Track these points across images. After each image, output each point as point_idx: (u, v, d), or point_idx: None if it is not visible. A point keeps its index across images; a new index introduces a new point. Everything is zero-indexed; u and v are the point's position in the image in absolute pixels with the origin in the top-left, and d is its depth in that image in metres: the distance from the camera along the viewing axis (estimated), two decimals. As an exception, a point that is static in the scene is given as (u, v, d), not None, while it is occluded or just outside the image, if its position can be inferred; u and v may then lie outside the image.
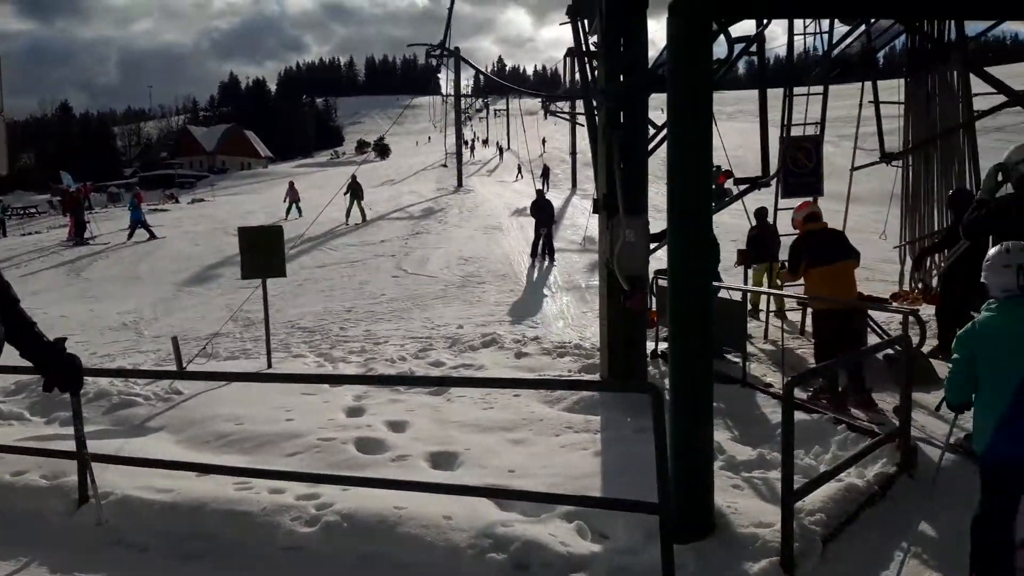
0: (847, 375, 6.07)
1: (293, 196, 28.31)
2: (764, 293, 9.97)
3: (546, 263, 17.01)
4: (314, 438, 5.86)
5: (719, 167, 11.66)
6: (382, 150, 74.98)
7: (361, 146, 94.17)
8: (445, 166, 46.32)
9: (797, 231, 6.85)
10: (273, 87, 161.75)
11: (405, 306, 13.13)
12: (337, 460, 5.35)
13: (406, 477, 4.71)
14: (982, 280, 3.40)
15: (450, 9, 28.03)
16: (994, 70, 9.01)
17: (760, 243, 10.56)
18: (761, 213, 10.89)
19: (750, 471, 4.87)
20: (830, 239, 6.52)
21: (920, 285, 8.70)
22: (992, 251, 3.39)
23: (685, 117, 3.68)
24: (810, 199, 7.73)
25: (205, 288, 16.81)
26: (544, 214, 17.15)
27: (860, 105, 9.82)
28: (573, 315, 12.05)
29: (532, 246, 17.41)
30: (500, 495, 4.23)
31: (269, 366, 8.65)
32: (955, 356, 3.39)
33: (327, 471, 4.91)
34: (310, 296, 14.76)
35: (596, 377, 7.56)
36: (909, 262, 9.13)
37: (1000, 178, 5.05)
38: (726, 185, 16.66)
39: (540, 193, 18.38)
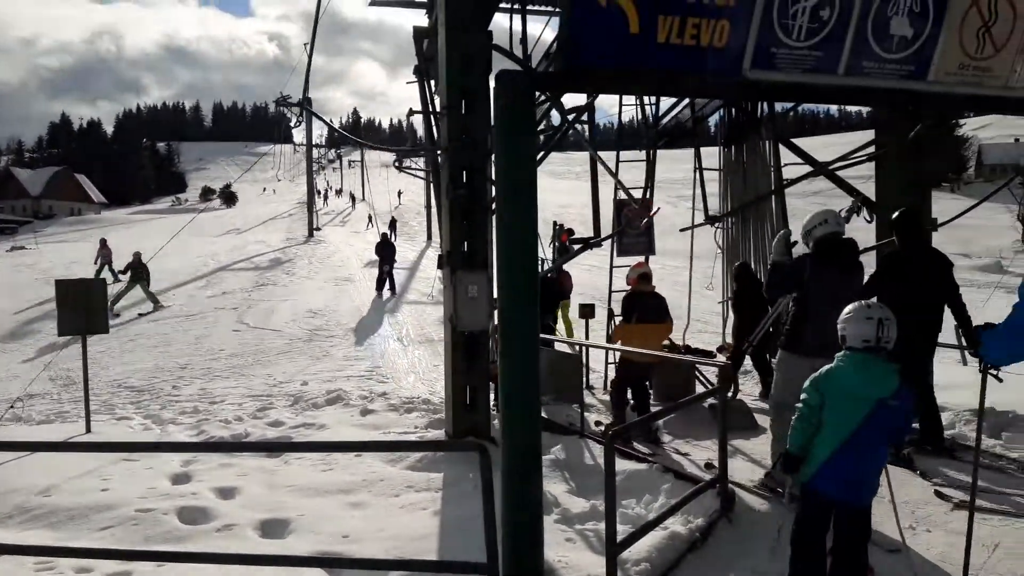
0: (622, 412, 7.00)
1: (105, 256, 23.54)
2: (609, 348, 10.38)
3: (388, 294, 19.84)
4: (132, 509, 5.43)
5: (562, 225, 12.14)
6: (228, 197, 72.15)
7: (206, 193, 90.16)
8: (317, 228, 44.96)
9: (629, 287, 7.47)
10: (110, 129, 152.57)
11: (246, 362, 12.56)
12: (155, 533, 4.98)
13: (231, 549, 4.45)
14: (840, 331, 3.64)
15: (308, 63, 27.63)
16: (801, 141, 10.06)
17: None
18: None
19: (583, 523, 4.99)
20: (654, 301, 7.38)
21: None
22: (853, 305, 3.66)
23: (510, 180, 3.83)
24: (641, 259, 8.27)
25: (20, 344, 15.37)
26: (387, 252, 20.34)
27: (694, 170, 10.64)
28: (424, 369, 11.98)
29: (377, 281, 20.22)
30: (329, 564, 4.09)
31: (88, 430, 7.98)
32: (805, 399, 3.62)
33: (143, 546, 4.56)
34: (141, 352, 13.81)
35: (441, 433, 7.53)
36: (732, 315, 9.83)
37: (791, 241, 5.60)
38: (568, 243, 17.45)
39: (384, 236, 22.10)
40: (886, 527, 4.39)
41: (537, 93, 4.86)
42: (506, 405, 3.86)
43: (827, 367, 3.65)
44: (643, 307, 7.24)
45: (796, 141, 9.84)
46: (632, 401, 7.39)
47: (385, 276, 19.97)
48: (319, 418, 8.51)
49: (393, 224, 37.32)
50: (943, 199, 36.66)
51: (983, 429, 6.52)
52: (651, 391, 7.78)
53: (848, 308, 3.66)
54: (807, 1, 4.06)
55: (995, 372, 3.17)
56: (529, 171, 3.85)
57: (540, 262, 11.13)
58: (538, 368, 3.93)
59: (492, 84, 6.95)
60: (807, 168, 9.26)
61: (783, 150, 9.54)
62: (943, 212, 9.36)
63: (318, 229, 37.42)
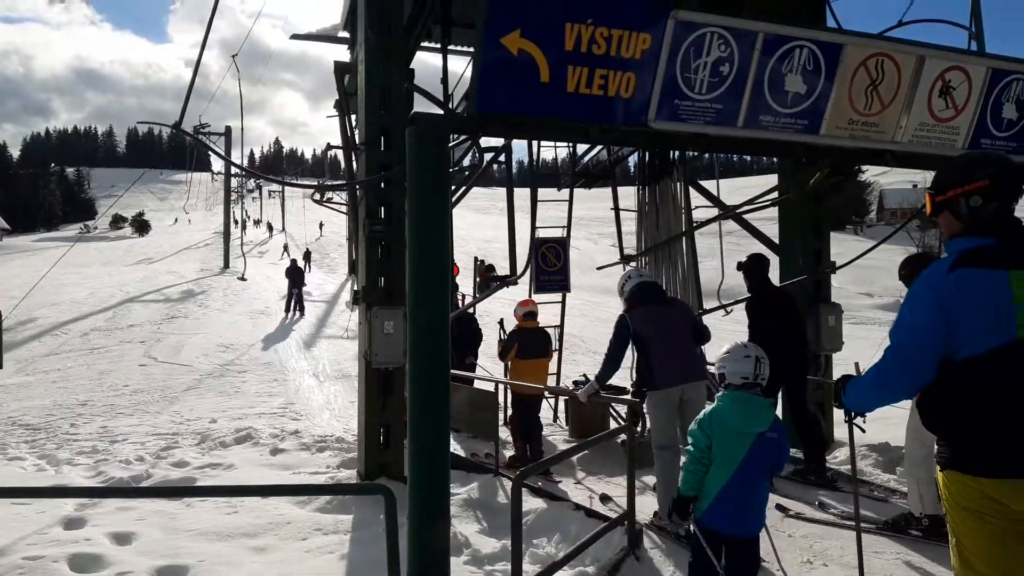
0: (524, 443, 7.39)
1: None
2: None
3: (297, 315, 21.68)
4: (19, 557, 5.09)
5: (482, 262, 12.24)
6: (141, 226, 69.59)
7: (116, 221, 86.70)
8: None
9: (517, 322, 8.06)
10: (16, 152, 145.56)
11: (151, 398, 12.04)
12: (42, 584, 4.69)
13: (123, 599, 4.22)
14: (719, 370, 3.82)
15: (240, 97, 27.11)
16: (712, 184, 10.46)
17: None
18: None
19: (494, 564, 4.96)
20: (539, 337, 8.00)
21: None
22: (731, 345, 3.85)
23: (421, 220, 3.86)
24: (530, 299, 8.69)
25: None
26: (296, 276, 22.38)
27: (612, 209, 10.93)
28: (340, 405, 11.74)
29: (286, 304, 22.07)
30: (228, 612, 3.93)
31: (-28, 473, 7.47)
32: (694, 442, 3.72)
33: (26, 599, 4.28)
34: (38, 388, 13.07)
35: (353, 473, 7.38)
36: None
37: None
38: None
39: (294, 261, 24.30)
40: (784, 559, 4.52)
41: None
42: (414, 444, 3.84)
43: (709, 408, 3.80)
44: (524, 342, 7.82)
45: (708, 184, 10.23)
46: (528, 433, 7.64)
47: (293, 298, 22.11)
48: (227, 458, 8.21)
49: (308, 255, 37.49)
50: (847, 241, 38.64)
51: (879, 463, 6.88)
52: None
53: (726, 348, 3.84)
54: (708, 57, 4.27)
55: (859, 422, 3.31)
56: (441, 212, 3.89)
57: (462, 298, 11.22)
58: (448, 407, 3.93)
59: (410, 122, 7.02)
60: (717, 210, 9.65)
61: (695, 193, 9.91)
62: (848, 253, 9.88)
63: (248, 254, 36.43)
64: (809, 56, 4.44)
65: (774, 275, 8.47)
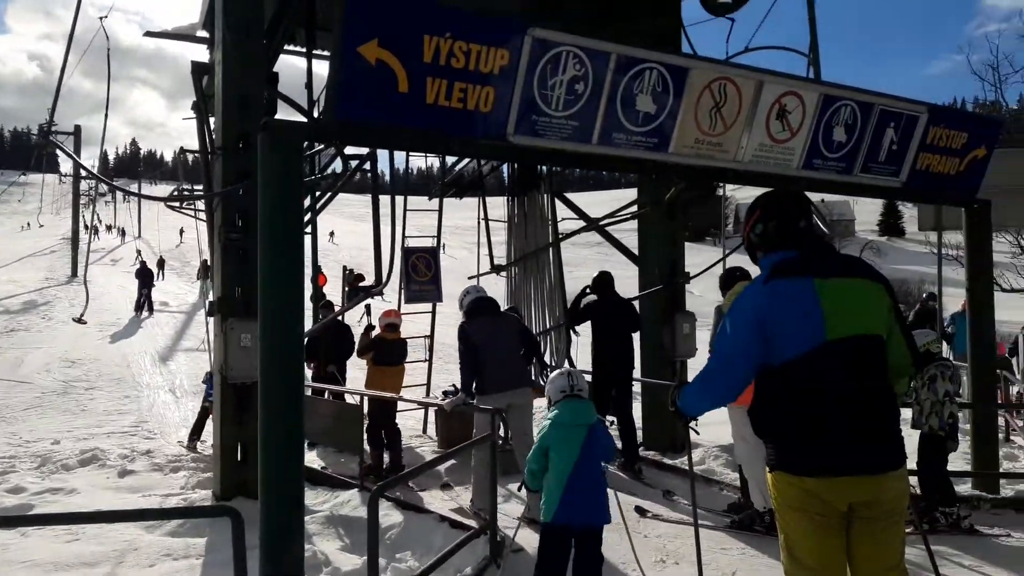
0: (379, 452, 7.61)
1: None
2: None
3: (146, 314, 22.99)
4: None
5: (352, 271, 12.01)
6: (-24, 230, 63.58)
7: (-54, 224, 78.63)
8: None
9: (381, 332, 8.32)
10: None
11: (-17, 420, 11.01)
12: None
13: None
14: (547, 394, 4.33)
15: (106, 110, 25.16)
16: (579, 196, 10.75)
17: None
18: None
19: (354, 581, 4.86)
20: (396, 347, 8.27)
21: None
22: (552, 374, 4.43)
23: (274, 229, 3.75)
24: (394, 308, 8.83)
25: None
26: (146, 277, 24.10)
27: (480, 220, 11.01)
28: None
29: (136, 303, 23.42)
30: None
31: None
32: (535, 447, 4.17)
33: None
34: None
35: (209, 493, 7.03)
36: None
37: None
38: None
39: (143, 263, 25.84)
40: (640, 559, 4.69)
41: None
42: (264, 462, 3.71)
43: (547, 419, 4.23)
44: (382, 351, 8.11)
45: (576, 196, 10.53)
46: (386, 440, 7.71)
47: (143, 298, 23.62)
48: (69, 482, 7.61)
49: (161, 262, 36.98)
50: (707, 251, 40.70)
51: (728, 463, 7.26)
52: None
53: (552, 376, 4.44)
54: (564, 75, 4.40)
55: (693, 424, 3.51)
56: (293, 221, 3.80)
57: (331, 307, 10.94)
58: (301, 422, 3.82)
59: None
60: (582, 222, 9.94)
61: (561, 205, 10.15)
62: (707, 264, 10.38)
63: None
64: (659, 78, 4.66)
65: (632, 285, 8.89)
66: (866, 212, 72.26)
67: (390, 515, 6.01)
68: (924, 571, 4.73)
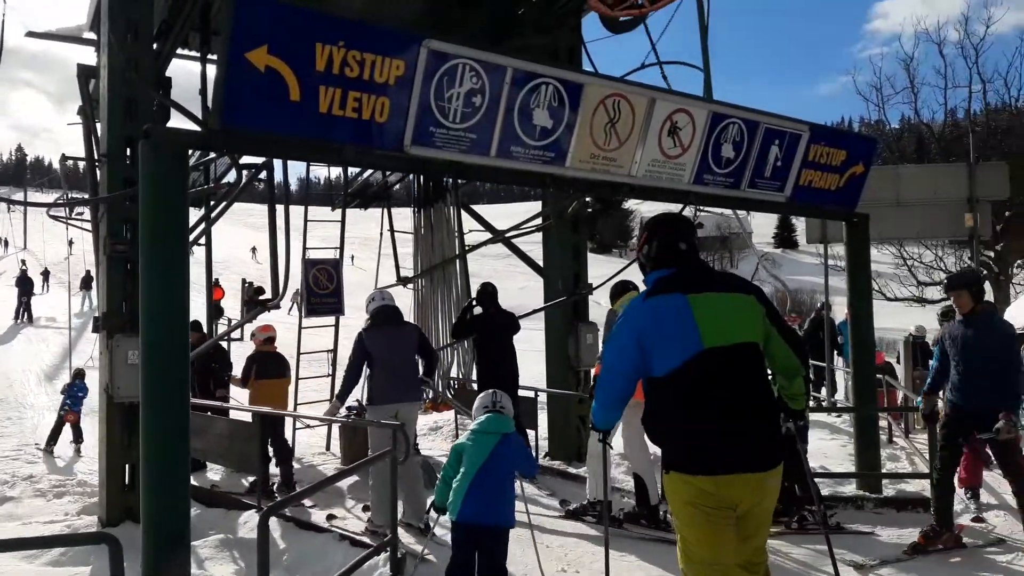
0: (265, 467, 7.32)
1: None
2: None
3: (24, 322, 23.36)
4: None
5: (251, 284, 11.64)
6: None
7: None
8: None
9: (255, 346, 8.21)
10: None
11: None
12: None
13: None
14: (475, 411, 4.53)
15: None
16: (486, 208, 10.78)
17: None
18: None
19: (247, 606, 4.68)
20: (276, 360, 8.19)
21: (430, 395, 9.67)
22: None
23: (157, 237, 3.60)
24: (270, 324, 8.57)
25: None
26: (26, 286, 24.88)
27: (385, 231, 10.89)
28: (88, 444, 10.53)
29: (15, 311, 23.76)
30: None
31: None
32: (451, 451, 4.34)
33: None
34: None
35: (95, 520, 6.65)
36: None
37: None
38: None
39: (24, 272, 26.38)
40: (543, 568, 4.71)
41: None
42: (147, 484, 3.54)
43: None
44: (262, 365, 7.99)
45: (486, 208, 10.57)
46: (276, 456, 7.51)
47: (22, 306, 24.08)
48: (-61, 511, 7.07)
49: (46, 274, 36.25)
50: (613, 263, 41.61)
51: (629, 470, 7.38)
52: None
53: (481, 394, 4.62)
54: (461, 87, 4.41)
55: (607, 440, 3.60)
56: (176, 231, 3.65)
57: (227, 322, 10.58)
58: (187, 440, 3.67)
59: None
60: (489, 234, 9.99)
61: (468, 216, 10.17)
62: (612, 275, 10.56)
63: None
64: (555, 93, 4.74)
65: (538, 297, 8.98)
66: (764, 225, 75.50)
67: (288, 536, 5.83)
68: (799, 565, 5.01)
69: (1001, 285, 19.36)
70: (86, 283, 29.96)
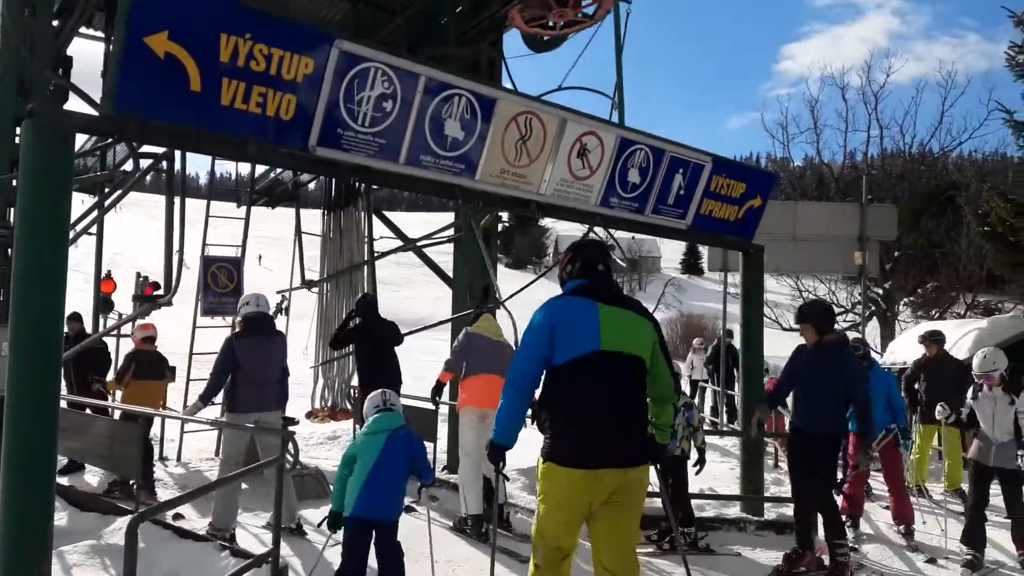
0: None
1: None
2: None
3: None
4: None
5: (146, 278, 11.12)
6: None
7: None
8: None
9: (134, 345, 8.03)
10: None
11: None
12: None
13: None
14: (365, 414, 4.62)
15: None
16: (400, 216, 10.68)
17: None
18: None
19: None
20: (155, 359, 7.96)
21: (329, 403, 9.46)
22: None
23: (33, 227, 3.39)
24: (151, 322, 8.28)
25: None
26: None
27: (295, 233, 10.63)
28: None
29: None
30: None
31: None
32: (345, 455, 4.42)
33: None
34: None
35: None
36: (322, 381, 9.85)
37: None
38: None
39: None
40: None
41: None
42: (8, 483, 3.31)
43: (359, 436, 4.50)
44: (140, 364, 7.77)
45: (400, 215, 10.47)
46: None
47: None
48: None
49: None
50: (526, 278, 41.92)
51: (526, 487, 7.42)
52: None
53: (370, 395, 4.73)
54: (372, 91, 4.36)
55: (502, 469, 3.63)
56: (56, 219, 3.45)
57: (119, 318, 10.05)
58: (54, 440, 3.45)
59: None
60: (400, 241, 9.90)
61: (379, 223, 10.05)
62: (526, 290, 10.60)
63: None
64: (467, 105, 4.75)
65: (447, 307, 8.95)
66: (671, 250, 77.81)
67: (165, 544, 5.57)
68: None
69: (888, 321, 20.56)
70: None
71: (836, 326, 5.65)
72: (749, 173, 6.87)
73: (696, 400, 14.41)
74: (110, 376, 8.28)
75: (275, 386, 6.09)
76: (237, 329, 6.31)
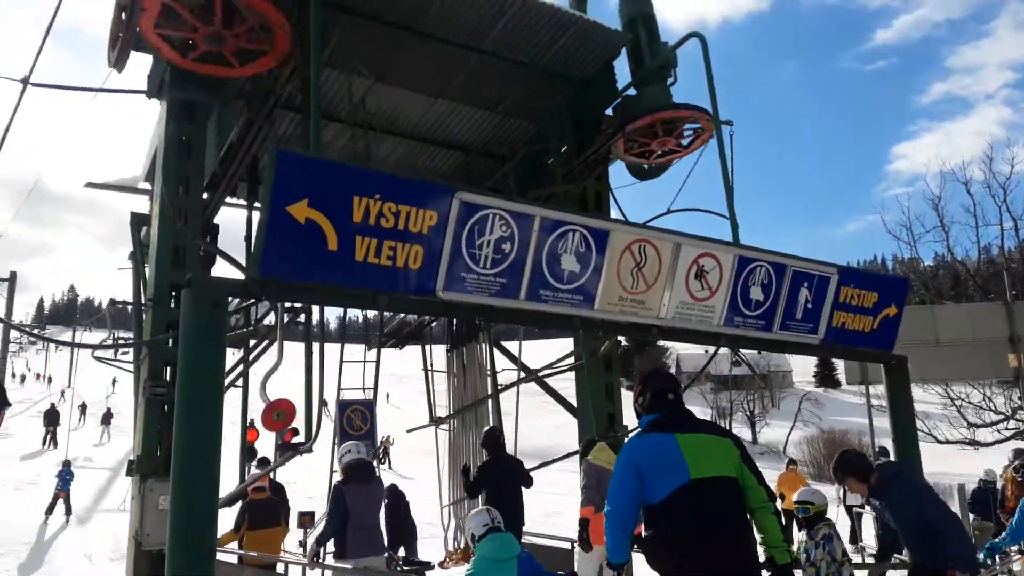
0: None
1: None
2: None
3: (50, 447, 27.66)
4: None
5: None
6: None
7: None
8: None
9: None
10: None
11: None
12: None
13: None
14: (470, 532, 4.82)
15: None
16: (515, 345, 10.83)
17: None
18: None
19: None
20: (268, 508, 8.20)
21: (462, 545, 9.35)
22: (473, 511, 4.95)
23: (192, 390, 3.67)
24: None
25: None
26: (52, 418, 29.19)
27: (424, 369, 10.98)
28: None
29: (42, 439, 28.41)
30: None
31: None
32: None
33: None
34: None
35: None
36: (454, 522, 9.81)
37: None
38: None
39: (52, 405, 30.65)
40: None
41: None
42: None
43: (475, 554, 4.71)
44: (254, 515, 7.94)
45: (518, 344, 10.61)
46: None
47: (48, 435, 28.61)
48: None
49: (84, 407, 38.72)
50: (651, 402, 40.86)
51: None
52: None
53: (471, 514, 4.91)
54: (491, 235, 4.57)
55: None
56: (213, 379, 3.72)
57: (267, 462, 10.48)
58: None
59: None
60: (521, 372, 9.99)
61: (500, 355, 10.24)
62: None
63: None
64: (581, 239, 4.88)
65: (573, 436, 8.82)
66: (802, 363, 74.22)
67: None
68: None
69: (1056, 425, 18.50)
70: (106, 419, 31.81)
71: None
72: (878, 281, 6.58)
73: (856, 528, 13.25)
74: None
75: (379, 530, 6.48)
76: (340, 476, 6.68)
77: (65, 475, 15.72)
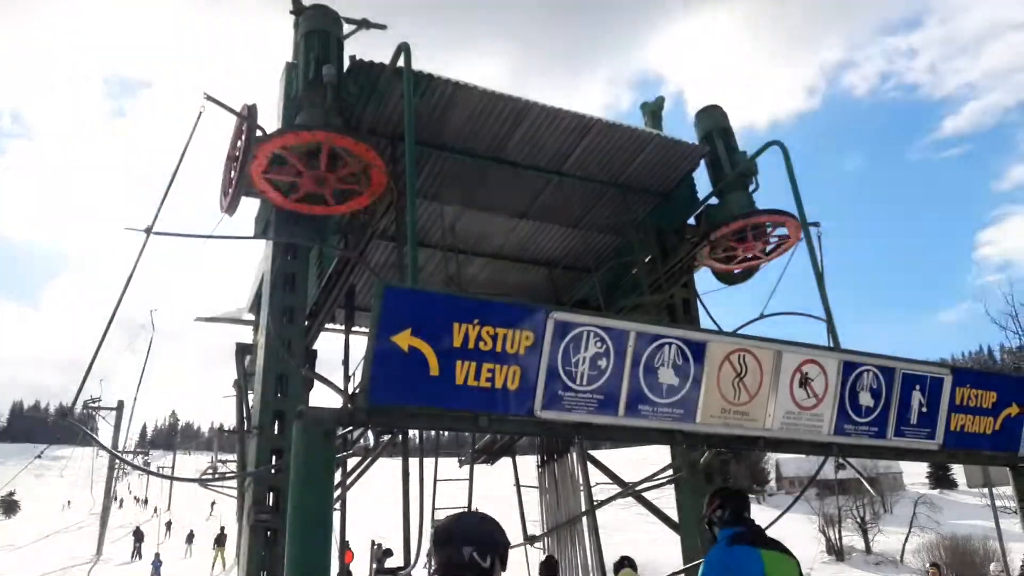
0: None
1: None
2: None
3: (137, 559, 32.66)
4: None
5: (380, 546, 11.57)
6: (8, 507, 63.00)
7: (-19, 502, 78.19)
8: None
9: None
10: None
11: None
12: None
13: None
14: None
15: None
16: (608, 455, 10.59)
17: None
18: None
19: None
20: None
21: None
22: None
23: (304, 516, 3.74)
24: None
25: None
26: (138, 536, 34.55)
27: (516, 485, 10.84)
28: None
29: (131, 553, 33.27)
30: None
31: None
32: None
33: None
34: None
35: None
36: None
37: None
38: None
39: (138, 527, 36.08)
40: None
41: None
42: None
43: None
44: None
45: (607, 454, 10.41)
46: None
47: (135, 550, 33.32)
48: None
49: (191, 537, 39.32)
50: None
51: None
52: None
53: None
54: (586, 352, 4.60)
55: None
56: (323, 507, 3.79)
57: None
58: None
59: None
60: (615, 486, 9.71)
61: (593, 467, 10.00)
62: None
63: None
64: (678, 352, 4.84)
65: (667, 548, 8.43)
66: (915, 463, 69.30)
67: None
68: None
69: None
70: (219, 541, 31.95)
71: None
72: (994, 380, 6.22)
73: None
74: None
75: None
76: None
77: (157, 564, 21.86)
